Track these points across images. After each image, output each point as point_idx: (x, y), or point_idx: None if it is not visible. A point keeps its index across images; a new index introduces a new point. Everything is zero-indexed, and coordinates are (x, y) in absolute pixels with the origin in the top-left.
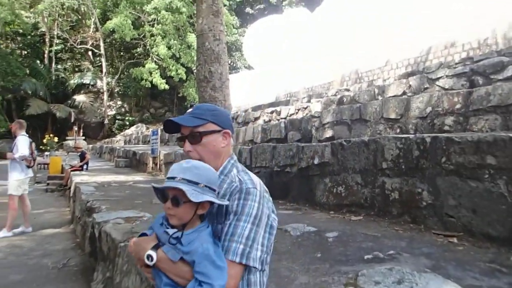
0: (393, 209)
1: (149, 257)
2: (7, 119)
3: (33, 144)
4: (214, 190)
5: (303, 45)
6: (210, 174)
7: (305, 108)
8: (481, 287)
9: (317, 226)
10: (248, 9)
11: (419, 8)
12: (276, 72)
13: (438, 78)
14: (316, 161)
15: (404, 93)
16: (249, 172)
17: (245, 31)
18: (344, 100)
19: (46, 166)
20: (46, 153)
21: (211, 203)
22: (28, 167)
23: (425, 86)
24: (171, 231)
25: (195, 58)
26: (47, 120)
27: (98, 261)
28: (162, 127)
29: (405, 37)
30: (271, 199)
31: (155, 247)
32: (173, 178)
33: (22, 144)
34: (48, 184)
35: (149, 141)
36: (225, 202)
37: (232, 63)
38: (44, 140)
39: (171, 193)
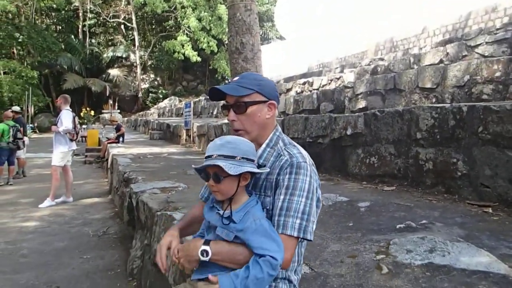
0: (426, 180)
1: (204, 252)
2: (45, 94)
3: (77, 118)
4: (253, 161)
5: (337, 12)
6: (246, 146)
7: (338, 79)
8: None
9: (349, 196)
10: None
11: None
12: (309, 42)
13: (477, 45)
14: (349, 132)
15: (441, 61)
16: (297, 145)
17: (277, 0)
18: (378, 70)
19: (84, 139)
20: (84, 126)
21: (252, 173)
22: (71, 140)
23: (464, 54)
24: (222, 212)
25: (226, 29)
26: (83, 94)
27: (136, 229)
28: (194, 100)
29: (443, 2)
30: (316, 171)
31: (207, 242)
32: (210, 156)
33: (66, 118)
34: (86, 156)
35: (182, 113)
36: (265, 170)
37: (263, 34)
38: (81, 114)
39: (211, 171)
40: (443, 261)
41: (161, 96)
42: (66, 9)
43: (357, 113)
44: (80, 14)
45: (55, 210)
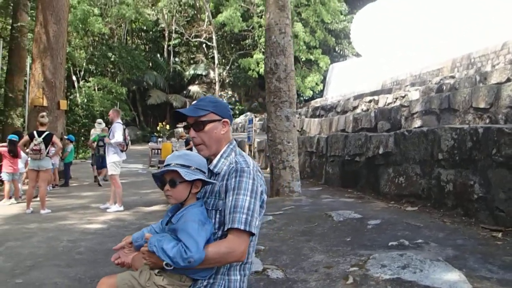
0: (448, 201)
1: (167, 264)
2: (132, 109)
3: (127, 131)
4: (204, 172)
5: (414, 28)
6: (199, 159)
7: (403, 97)
8: (490, 279)
9: (364, 213)
10: None
11: None
12: (385, 59)
13: None
14: (380, 151)
15: (508, 80)
16: (244, 154)
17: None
18: (444, 88)
19: (158, 151)
20: (159, 139)
21: (203, 182)
22: (122, 151)
23: None
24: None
25: (301, 47)
26: (166, 109)
27: None
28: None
29: None
30: (263, 177)
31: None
32: (168, 165)
33: (117, 131)
34: (159, 167)
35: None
36: (213, 181)
37: (340, 51)
38: (158, 128)
39: (168, 176)
40: (411, 277)
41: (237, 112)
42: (153, 30)
43: (388, 133)
44: (166, 35)
45: (118, 215)
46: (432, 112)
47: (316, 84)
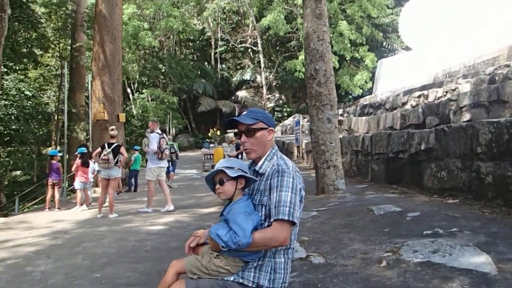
0: (488, 193)
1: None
2: (183, 117)
3: (164, 140)
4: (246, 172)
5: (466, 16)
6: (241, 162)
7: (453, 90)
8: None
9: (404, 207)
10: None
11: None
12: (435, 50)
13: None
14: (422, 147)
15: None
16: (285, 157)
17: (401, 10)
18: (496, 79)
19: (211, 156)
20: (211, 145)
21: (246, 180)
22: (159, 159)
23: None
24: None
25: (347, 45)
26: (216, 115)
27: None
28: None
29: None
30: (301, 177)
31: None
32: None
33: (152, 140)
34: None
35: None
36: (254, 178)
37: (388, 46)
38: (209, 134)
39: (217, 177)
40: (440, 260)
41: (285, 114)
42: (200, 39)
43: (429, 129)
44: (212, 43)
45: (177, 217)
46: (481, 105)
47: (365, 82)
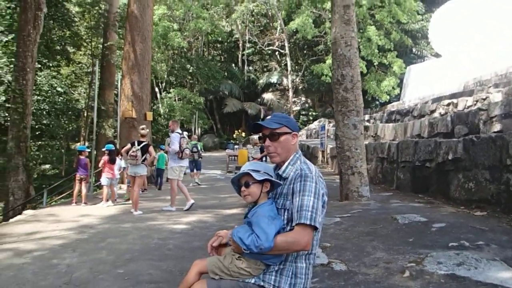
0: None
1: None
2: (209, 117)
3: (184, 140)
4: (271, 176)
5: (499, 24)
6: (267, 166)
7: (484, 99)
8: None
9: (430, 217)
10: None
11: None
12: (466, 58)
13: None
14: (450, 157)
15: None
16: (308, 162)
17: (431, 16)
18: None
19: (235, 157)
20: (236, 146)
21: (271, 183)
22: (180, 158)
23: None
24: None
25: (375, 51)
26: (241, 117)
27: None
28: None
29: None
30: (324, 182)
31: None
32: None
33: (174, 140)
34: (235, 173)
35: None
36: (279, 182)
37: (417, 52)
38: (234, 135)
39: (243, 180)
40: (465, 274)
41: (311, 118)
42: (228, 41)
43: (457, 138)
44: (240, 45)
45: (200, 217)
46: None
47: (393, 88)
